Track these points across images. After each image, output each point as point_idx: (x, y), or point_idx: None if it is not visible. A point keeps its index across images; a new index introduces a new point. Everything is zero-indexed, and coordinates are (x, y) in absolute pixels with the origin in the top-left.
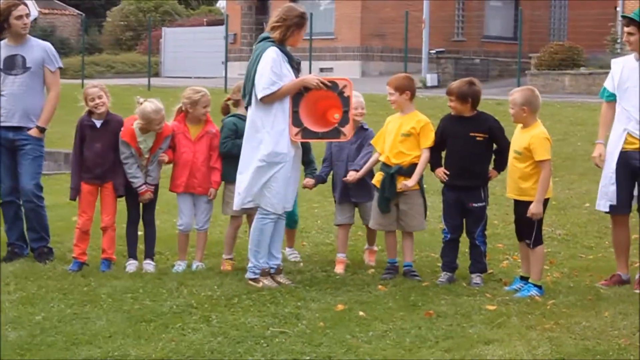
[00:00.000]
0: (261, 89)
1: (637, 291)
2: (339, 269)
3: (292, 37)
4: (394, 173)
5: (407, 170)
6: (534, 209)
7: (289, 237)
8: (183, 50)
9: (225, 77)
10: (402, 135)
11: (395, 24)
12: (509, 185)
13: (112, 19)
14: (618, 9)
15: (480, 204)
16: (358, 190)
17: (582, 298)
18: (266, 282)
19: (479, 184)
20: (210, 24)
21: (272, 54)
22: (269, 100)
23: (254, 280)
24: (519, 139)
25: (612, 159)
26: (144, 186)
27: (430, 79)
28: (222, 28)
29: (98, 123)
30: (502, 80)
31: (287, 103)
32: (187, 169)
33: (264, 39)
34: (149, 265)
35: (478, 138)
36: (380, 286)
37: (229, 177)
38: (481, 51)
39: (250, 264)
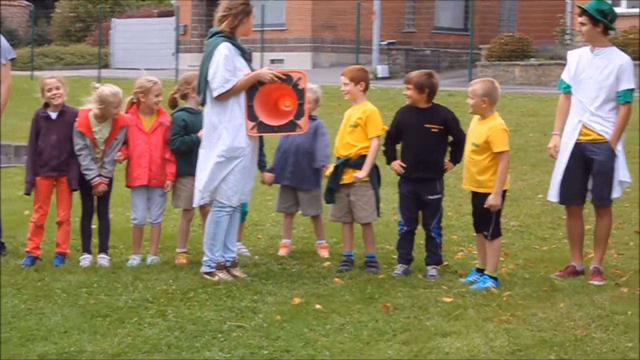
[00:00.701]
0: (215, 87)
1: (592, 282)
2: (282, 252)
3: (242, 26)
4: (339, 165)
5: (356, 162)
6: (492, 201)
7: (240, 231)
8: (133, 42)
9: (177, 69)
10: (350, 127)
11: (346, 16)
12: (465, 177)
13: (61, 10)
14: (567, 0)
15: (436, 196)
16: (299, 178)
17: (537, 289)
18: (222, 275)
19: (434, 176)
20: (161, 15)
21: (224, 50)
22: (224, 97)
23: (209, 274)
24: (476, 130)
25: (566, 150)
26: (97, 178)
27: (381, 70)
28: (172, 19)
29: (53, 115)
30: (453, 72)
31: (242, 97)
32: (142, 161)
33: (215, 34)
34: (103, 260)
35: (433, 130)
36: (336, 279)
37: (180, 170)
38: (432, 42)
39: (205, 258)
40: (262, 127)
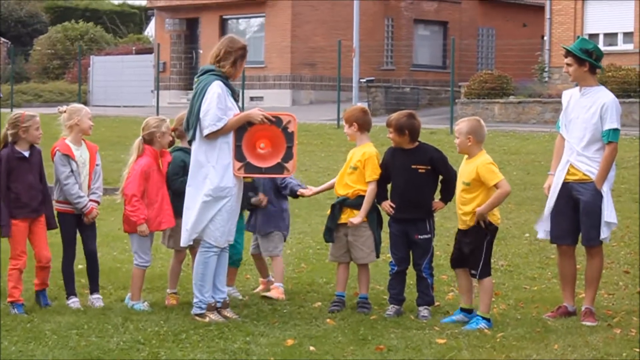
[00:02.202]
0: (207, 125)
1: (584, 323)
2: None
3: (236, 69)
4: (337, 204)
5: (353, 202)
6: (479, 210)
7: (230, 276)
8: (112, 79)
9: (157, 106)
10: (350, 168)
11: (325, 53)
12: (459, 218)
13: (39, 47)
14: (545, 38)
15: (426, 236)
16: (261, 221)
17: (530, 330)
18: (213, 317)
19: (423, 216)
20: (139, 52)
21: (217, 88)
22: (213, 136)
23: (200, 315)
24: (465, 170)
25: (555, 190)
26: (90, 204)
27: None
28: (151, 57)
29: (26, 153)
30: (432, 109)
31: (231, 136)
32: (165, 204)
33: (207, 71)
34: (98, 301)
35: (420, 170)
36: (328, 320)
37: (175, 210)
38: (411, 80)
39: (195, 299)
40: (250, 168)
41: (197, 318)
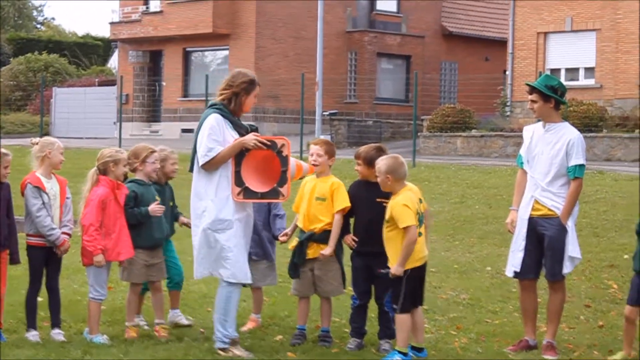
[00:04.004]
0: (200, 156)
1: (545, 357)
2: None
3: (240, 103)
4: (304, 240)
5: (320, 237)
6: (393, 270)
7: (173, 299)
8: (74, 111)
9: (119, 138)
10: (316, 200)
11: (288, 86)
12: (389, 256)
13: (1, 79)
14: (507, 72)
15: (388, 270)
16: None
17: None
18: (237, 352)
19: (384, 249)
20: (102, 84)
21: (212, 121)
22: (209, 167)
23: (223, 350)
24: (388, 207)
25: (522, 225)
26: (62, 236)
27: None
28: (114, 88)
29: None
30: (395, 142)
31: (230, 169)
32: (123, 235)
33: (211, 105)
34: (59, 335)
35: (385, 204)
36: (289, 353)
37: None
38: (374, 113)
39: (218, 333)
40: (248, 194)
41: (220, 352)
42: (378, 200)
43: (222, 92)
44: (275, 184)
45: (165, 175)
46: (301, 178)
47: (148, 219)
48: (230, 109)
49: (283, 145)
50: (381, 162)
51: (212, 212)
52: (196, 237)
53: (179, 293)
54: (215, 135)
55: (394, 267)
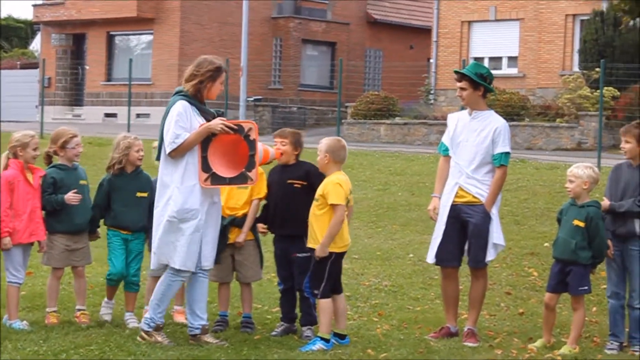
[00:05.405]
0: (167, 143)
1: (466, 344)
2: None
3: (206, 90)
4: (227, 225)
5: (240, 221)
6: (318, 251)
7: (128, 301)
8: None
9: (41, 121)
10: (238, 187)
11: None
12: (309, 235)
13: None
14: (431, 60)
15: (304, 254)
16: None
17: (413, 351)
18: (158, 337)
19: (301, 232)
20: (24, 67)
21: (178, 107)
22: (176, 154)
23: (147, 333)
24: (320, 185)
25: (444, 212)
26: None
27: None
28: (36, 71)
29: None
30: (319, 129)
31: (197, 156)
32: (35, 216)
33: (177, 92)
34: None
35: (296, 185)
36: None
37: (49, 227)
38: (298, 99)
39: (147, 315)
40: (215, 179)
41: (143, 335)
42: (289, 181)
43: (188, 78)
44: (244, 168)
45: (131, 163)
46: (268, 163)
47: (64, 206)
48: (196, 97)
49: (250, 129)
50: (324, 141)
51: (178, 200)
52: (159, 226)
53: (135, 295)
54: (183, 122)
55: (318, 247)
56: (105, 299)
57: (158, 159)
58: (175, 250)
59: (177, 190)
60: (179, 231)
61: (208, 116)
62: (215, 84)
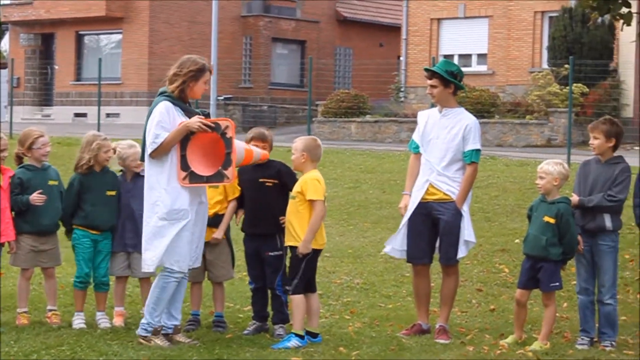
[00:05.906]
0: (148, 144)
1: (438, 341)
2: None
3: (189, 89)
4: None
5: (212, 221)
6: (301, 248)
7: (99, 301)
8: None
9: (10, 122)
10: (210, 186)
11: None
12: (286, 233)
13: None
14: (401, 58)
15: (276, 253)
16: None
17: (385, 348)
18: (157, 341)
19: (273, 231)
20: None
21: (161, 108)
22: (157, 154)
23: (144, 338)
24: (298, 182)
25: (411, 208)
26: None
27: None
28: (5, 72)
29: None
30: (290, 127)
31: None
32: (5, 217)
33: (160, 93)
34: None
35: (267, 184)
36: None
37: (17, 228)
38: (268, 98)
39: (143, 320)
40: (194, 178)
41: (141, 340)
42: (261, 180)
43: (171, 78)
44: (220, 166)
45: (99, 163)
46: (252, 164)
47: (30, 206)
48: (180, 97)
49: (227, 127)
50: (299, 141)
51: (167, 202)
52: (148, 228)
53: (105, 294)
54: (164, 122)
55: (301, 244)
56: (76, 312)
57: (142, 159)
58: (174, 251)
59: (164, 192)
60: (170, 232)
61: (192, 116)
62: (198, 83)
